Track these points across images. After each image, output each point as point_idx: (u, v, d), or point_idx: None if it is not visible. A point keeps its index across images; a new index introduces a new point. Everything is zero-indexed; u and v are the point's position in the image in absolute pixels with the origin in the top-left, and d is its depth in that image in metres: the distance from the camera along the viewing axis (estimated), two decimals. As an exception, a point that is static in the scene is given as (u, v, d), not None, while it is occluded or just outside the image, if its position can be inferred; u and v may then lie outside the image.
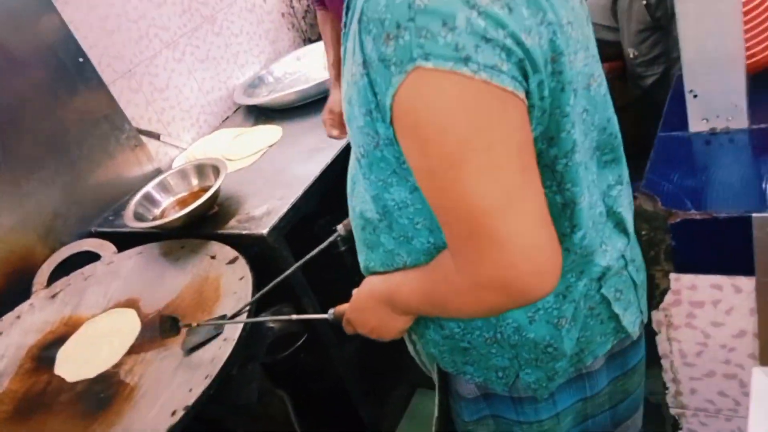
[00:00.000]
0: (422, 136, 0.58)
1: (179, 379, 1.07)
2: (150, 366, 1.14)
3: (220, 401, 1.09)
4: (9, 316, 1.42)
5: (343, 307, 0.91)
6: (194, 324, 1.10)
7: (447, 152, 0.57)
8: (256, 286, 1.19)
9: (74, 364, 1.22)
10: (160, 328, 1.09)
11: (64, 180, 1.61)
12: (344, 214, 1.11)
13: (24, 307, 1.44)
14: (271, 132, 1.80)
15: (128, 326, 1.26)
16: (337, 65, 1.60)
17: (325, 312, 0.94)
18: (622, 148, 0.79)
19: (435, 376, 0.96)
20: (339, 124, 1.52)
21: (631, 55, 1.81)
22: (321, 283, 1.47)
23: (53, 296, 1.45)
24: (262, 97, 1.96)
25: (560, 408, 0.85)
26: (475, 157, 0.56)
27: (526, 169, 0.60)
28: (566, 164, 0.68)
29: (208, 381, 1.02)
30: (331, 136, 1.54)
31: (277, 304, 1.60)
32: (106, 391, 1.13)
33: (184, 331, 1.12)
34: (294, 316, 1.05)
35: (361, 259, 0.87)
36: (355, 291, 0.88)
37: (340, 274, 1.86)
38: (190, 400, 0.99)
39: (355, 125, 0.68)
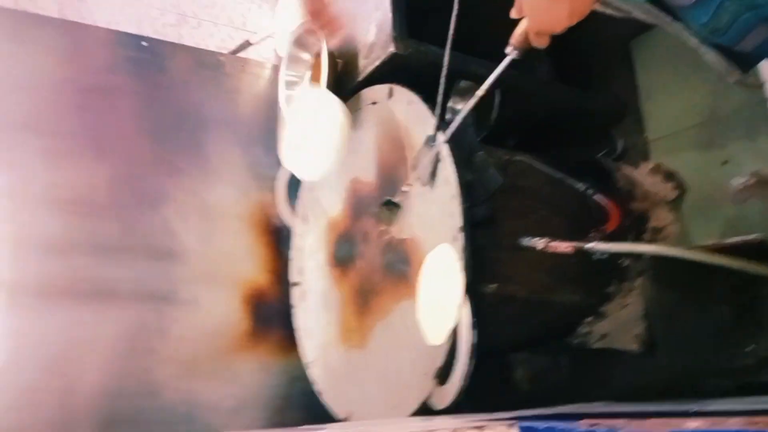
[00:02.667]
0: None
1: (435, 213, 1.16)
2: (406, 218, 1.25)
3: (478, 202, 1.16)
4: (294, 253, 1.66)
5: (516, 31, 0.85)
6: (404, 188, 1.15)
7: None
8: (426, 98, 1.19)
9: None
10: (381, 216, 1.19)
11: (233, 139, 1.74)
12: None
13: (296, 239, 1.67)
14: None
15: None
16: None
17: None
18: None
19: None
20: None
21: None
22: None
23: (305, 219, 1.65)
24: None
25: None
26: None
27: None
28: None
29: (456, 199, 1.09)
30: None
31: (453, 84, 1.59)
32: (399, 257, 1.28)
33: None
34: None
35: None
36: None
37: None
38: (458, 222, 1.08)
39: None
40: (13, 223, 1.44)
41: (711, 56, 0.96)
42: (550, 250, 1.00)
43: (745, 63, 1.00)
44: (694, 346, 1.10)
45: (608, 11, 0.99)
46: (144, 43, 1.72)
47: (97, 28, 1.70)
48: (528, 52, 0.87)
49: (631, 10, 0.94)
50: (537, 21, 0.79)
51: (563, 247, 0.99)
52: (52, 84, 1.57)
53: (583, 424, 0.62)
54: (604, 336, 1.29)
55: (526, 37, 0.84)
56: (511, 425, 0.71)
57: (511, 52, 0.89)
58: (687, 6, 0.83)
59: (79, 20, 1.70)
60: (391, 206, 1.18)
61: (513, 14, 0.83)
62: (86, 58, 1.64)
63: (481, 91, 1.01)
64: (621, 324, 1.28)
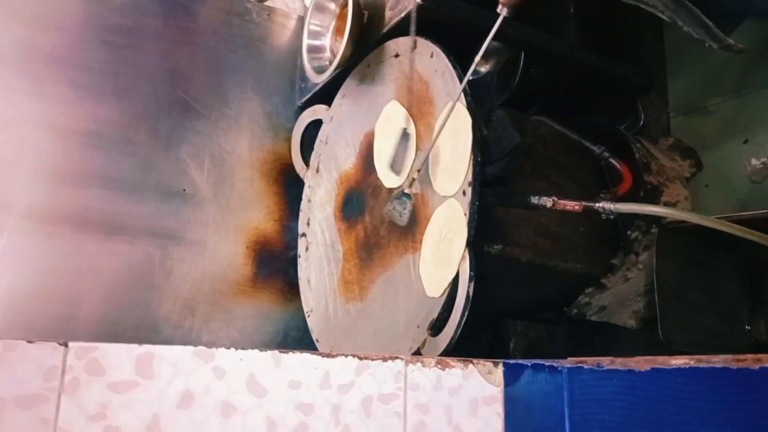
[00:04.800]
0: None
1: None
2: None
3: (492, 160, 1.15)
4: (303, 205, 1.67)
5: None
6: (414, 176, 1.17)
7: None
8: (450, 52, 1.18)
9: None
10: (394, 209, 1.20)
11: (253, 87, 1.74)
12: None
13: (306, 191, 1.68)
14: None
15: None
16: None
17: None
18: None
19: None
20: None
21: None
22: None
23: (317, 171, 1.65)
24: None
25: None
26: None
27: None
28: None
29: (469, 154, 1.08)
30: None
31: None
32: (406, 208, 1.28)
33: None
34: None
35: None
36: None
37: None
38: (469, 177, 1.07)
39: None
40: (31, 150, 1.46)
41: (690, 28, 0.93)
42: (559, 207, 0.99)
43: (726, 22, 0.97)
44: (694, 323, 1.09)
45: None
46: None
47: (128, -34, 1.70)
48: (517, 6, 0.87)
49: None
50: None
51: (572, 204, 0.97)
52: (78, 18, 1.58)
53: (570, 360, 0.62)
54: (602, 309, 1.28)
55: None
56: (496, 363, 0.71)
57: (501, 11, 0.90)
58: None
59: (111, -43, 1.69)
60: (404, 197, 1.18)
61: None
62: (115, -4, 1.64)
63: (478, 56, 0.99)
64: (621, 298, 1.27)
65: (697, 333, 1.09)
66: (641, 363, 0.54)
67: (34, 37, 1.52)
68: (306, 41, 1.60)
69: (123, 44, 1.63)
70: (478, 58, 0.98)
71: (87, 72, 1.57)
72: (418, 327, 1.14)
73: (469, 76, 1.00)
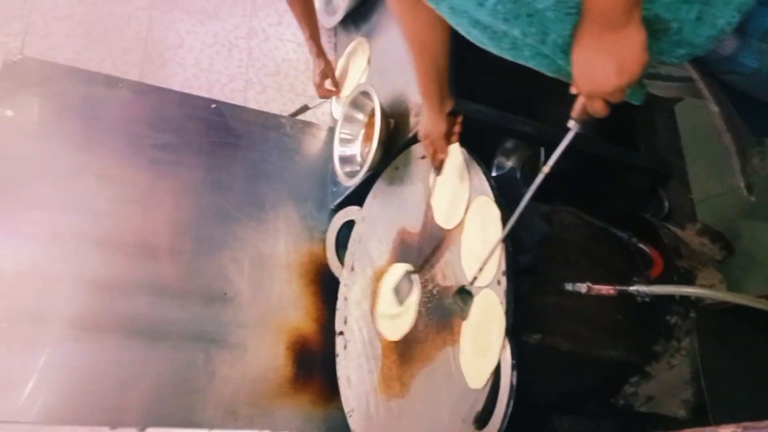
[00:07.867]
0: None
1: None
2: (451, 266, 1.28)
3: (523, 250, 1.19)
4: (340, 303, 1.70)
5: (576, 104, 0.84)
6: (477, 275, 1.18)
7: None
8: (469, 148, 1.27)
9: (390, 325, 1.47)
10: (455, 307, 1.23)
11: (288, 193, 1.84)
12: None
13: (342, 289, 1.72)
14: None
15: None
16: (315, 38, 1.78)
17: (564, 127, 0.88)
18: None
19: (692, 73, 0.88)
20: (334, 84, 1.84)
21: None
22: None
23: (352, 269, 1.69)
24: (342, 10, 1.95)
25: None
26: None
27: None
28: None
29: (500, 245, 1.12)
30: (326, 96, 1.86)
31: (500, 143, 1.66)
32: (444, 302, 1.31)
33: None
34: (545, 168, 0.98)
35: (540, 60, 0.83)
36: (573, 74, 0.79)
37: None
38: (503, 267, 1.11)
39: None
40: (77, 261, 1.54)
41: (727, 139, 0.95)
42: (594, 292, 1.01)
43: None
44: (745, 406, 1.06)
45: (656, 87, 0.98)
46: (213, 105, 1.88)
47: (172, 91, 1.87)
48: (589, 123, 0.86)
49: (675, 86, 0.94)
50: (586, 83, 0.76)
51: (606, 289, 1.00)
52: (127, 139, 1.72)
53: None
54: (650, 398, 1.26)
55: (583, 108, 0.82)
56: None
57: (573, 126, 0.87)
58: (728, 56, 0.81)
59: (156, 84, 1.87)
60: (465, 295, 1.21)
61: (572, 90, 0.82)
62: (160, 117, 1.79)
63: (547, 168, 0.97)
64: (668, 387, 1.25)
65: (749, 416, 1.06)
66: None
67: (84, 158, 1.65)
68: (337, 149, 1.71)
69: (168, 161, 1.75)
70: (547, 168, 0.96)
71: (134, 188, 1.68)
72: (462, 421, 1.13)
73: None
